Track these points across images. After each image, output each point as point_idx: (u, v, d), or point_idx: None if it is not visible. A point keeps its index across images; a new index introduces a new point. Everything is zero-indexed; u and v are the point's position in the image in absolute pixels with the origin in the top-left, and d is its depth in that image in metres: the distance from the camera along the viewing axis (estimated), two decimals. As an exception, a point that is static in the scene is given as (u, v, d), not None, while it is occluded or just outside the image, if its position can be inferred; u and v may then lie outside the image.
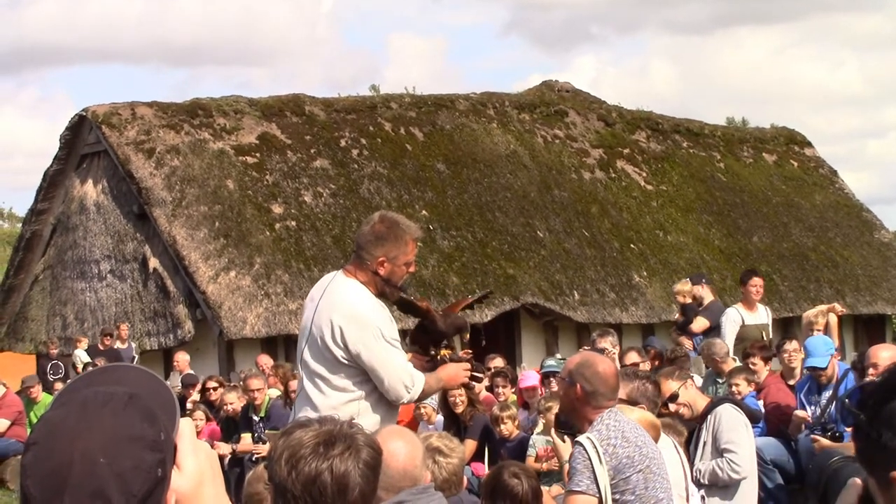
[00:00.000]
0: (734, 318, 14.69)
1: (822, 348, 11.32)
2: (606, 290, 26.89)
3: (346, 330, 6.06)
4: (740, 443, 9.16)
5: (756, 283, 15.11)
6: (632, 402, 7.31)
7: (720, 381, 13.10)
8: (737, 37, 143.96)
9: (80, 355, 21.94)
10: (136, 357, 21.92)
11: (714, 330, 15.84)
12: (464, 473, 5.65)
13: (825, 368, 11.19)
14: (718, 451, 9.20)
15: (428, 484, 4.67)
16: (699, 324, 16.16)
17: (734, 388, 11.90)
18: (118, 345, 21.95)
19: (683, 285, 17.59)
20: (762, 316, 15.03)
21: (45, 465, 2.15)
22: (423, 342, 6.99)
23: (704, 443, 9.29)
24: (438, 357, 6.83)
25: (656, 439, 6.84)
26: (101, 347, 21.99)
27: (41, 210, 26.49)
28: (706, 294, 16.93)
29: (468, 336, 7.31)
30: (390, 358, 6.10)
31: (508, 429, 11.73)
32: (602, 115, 32.53)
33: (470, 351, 7.94)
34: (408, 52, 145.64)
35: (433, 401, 12.62)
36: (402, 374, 6.11)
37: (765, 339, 14.15)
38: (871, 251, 33.48)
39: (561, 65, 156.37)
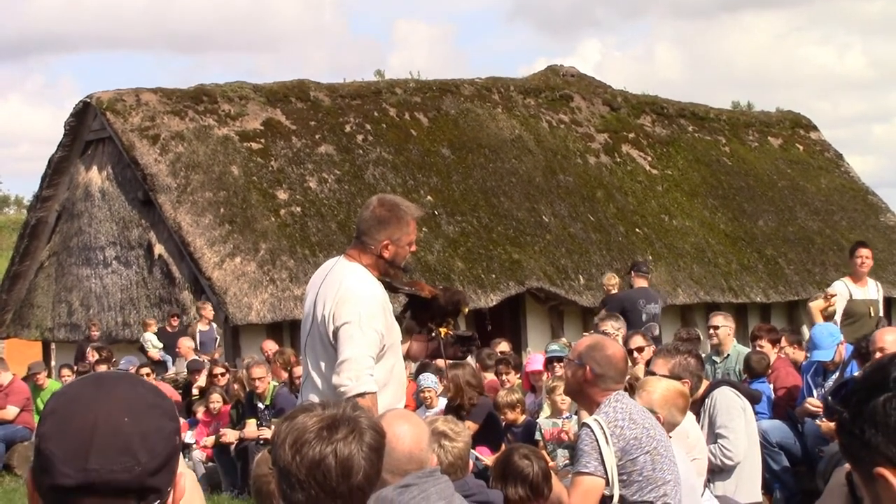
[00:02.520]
0: (841, 292, 13.78)
1: (828, 339, 11.23)
2: (612, 275, 26.88)
3: (337, 308, 6.03)
4: (733, 428, 9.09)
5: (862, 255, 14.11)
6: (675, 377, 7.30)
7: (718, 360, 13.10)
8: (742, 21, 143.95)
9: (151, 339, 21.65)
10: (218, 339, 21.63)
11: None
12: (469, 457, 5.63)
13: (832, 360, 11.17)
14: (714, 436, 9.16)
15: (434, 467, 4.67)
16: (601, 316, 16.57)
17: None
18: (200, 327, 21.39)
19: (609, 279, 18.40)
20: (871, 291, 14.18)
21: (68, 427, 2.19)
22: (423, 319, 6.96)
23: (702, 427, 9.25)
24: (442, 336, 6.82)
25: (685, 409, 6.84)
26: (169, 329, 21.77)
27: (46, 197, 26.51)
28: (637, 283, 17.40)
29: (467, 309, 7.28)
30: (358, 341, 5.96)
31: (515, 414, 11.73)
32: (607, 100, 32.51)
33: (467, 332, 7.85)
34: (413, 37, 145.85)
35: (436, 384, 12.63)
36: (358, 363, 5.92)
37: (872, 314, 13.75)
38: (876, 234, 33.43)
39: (566, 49, 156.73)
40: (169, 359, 20.86)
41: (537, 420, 11.45)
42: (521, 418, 11.73)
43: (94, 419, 2.18)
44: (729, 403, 9.19)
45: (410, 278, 6.70)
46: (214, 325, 21.68)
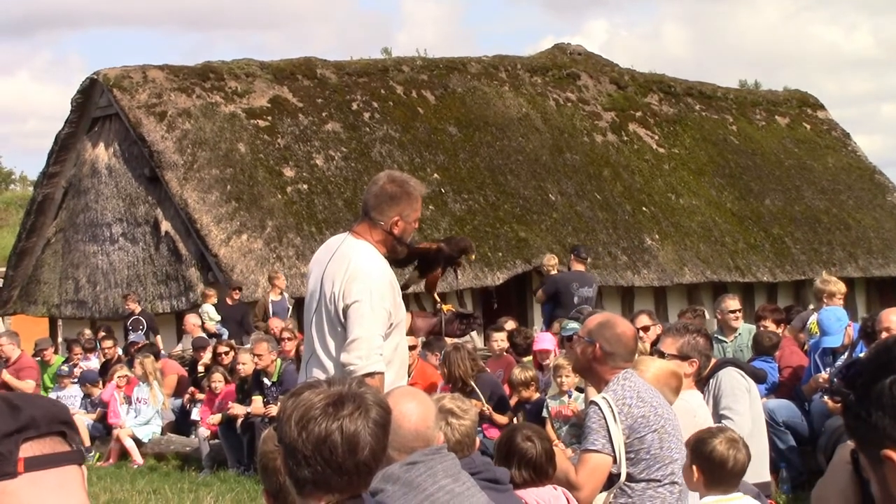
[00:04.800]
0: None
1: (836, 325, 11.16)
2: (618, 254, 26.87)
3: (347, 286, 6.02)
4: (737, 409, 9.02)
5: None
6: (682, 356, 7.28)
7: (726, 340, 13.11)
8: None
9: (209, 311, 21.03)
10: (290, 309, 21.06)
11: (552, 299, 17.68)
12: (476, 435, 5.62)
13: (841, 345, 11.13)
14: (717, 417, 9.12)
15: (441, 445, 4.66)
16: (538, 295, 18.22)
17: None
18: (272, 297, 20.84)
19: (548, 260, 19.36)
20: None
21: None
22: (427, 271, 6.97)
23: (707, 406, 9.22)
24: (444, 312, 6.83)
25: (678, 389, 6.82)
26: (230, 302, 21.26)
27: (53, 173, 26.51)
28: (575, 266, 18.37)
29: (473, 256, 7.28)
30: (368, 320, 5.96)
31: (529, 392, 11.77)
32: (614, 78, 32.47)
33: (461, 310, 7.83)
34: (421, 15, 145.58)
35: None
36: (368, 343, 5.93)
37: None
38: (883, 214, 33.44)
39: (573, 28, 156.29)
40: (225, 332, 20.46)
41: (545, 398, 11.48)
42: (536, 395, 11.76)
43: (5, 397, 2.24)
44: (733, 384, 9.13)
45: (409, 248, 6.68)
46: (286, 295, 21.32)
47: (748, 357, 12.28)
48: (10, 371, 18.23)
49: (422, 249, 6.97)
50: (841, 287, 12.93)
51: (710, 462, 5.60)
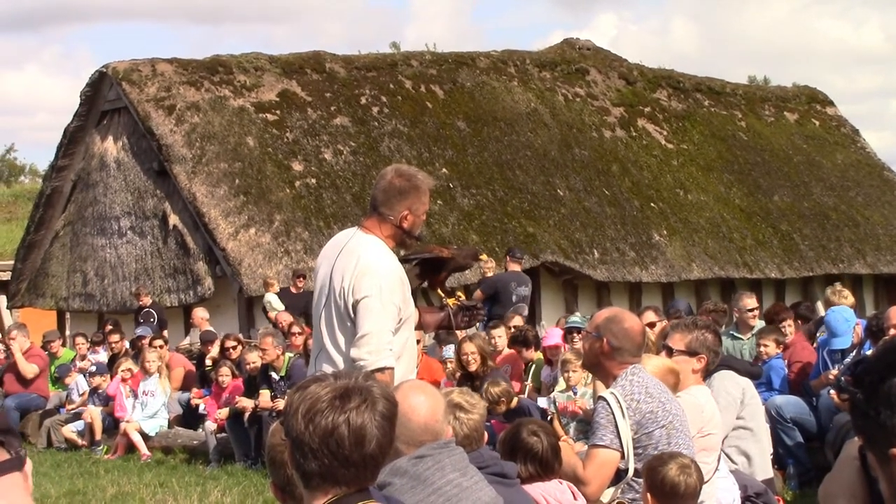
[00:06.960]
0: None
1: (844, 325, 11.13)
2: (626, 249, 26.85)
3: (357, 282, 6.03)
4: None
5: None
6: (691, 352, 7.29)
7: (742, 338, 13.10)
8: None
9: (272, 300, 20.75)
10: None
11: (490, 299, 18.18)
12: (485, 429, 5.63)
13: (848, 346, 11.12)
14: None
15: (449, 438, 4.66)
16: (476, 295, 18.60)
17: (762, 349, 11.94)
18: None
19: (486, 262, 19.69)
20: None
21: None
22: (434, 280, 6.99)
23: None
24: (451, 306, 6.84)
25: (675, 385, 6.82)
26: (294, 290, 21.03)
27: (62, 166, 26.52)
28: (511, 267, 19.32)
29: (485, 256, 7.30)
30: (378, 315, 5.99)
31: (501, 407, 11.40)
32: (623, 74, 32.43)
33: (462, 298, 7.83)
34: (429, 10, 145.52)
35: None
36: (378, 338, 5.96)
37: None
38: (892, 210, 33.39)
39: (582, 23, 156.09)
40: None
41: (551, 394, 11.44)
42: (514, 402, 11.48)
43: None
44: (720, 393, 9.08)
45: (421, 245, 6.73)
46: None
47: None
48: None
49: (433, 256, 6.99)
50: (849, 301, 12.98)
51: (663, 489, 5.69)
